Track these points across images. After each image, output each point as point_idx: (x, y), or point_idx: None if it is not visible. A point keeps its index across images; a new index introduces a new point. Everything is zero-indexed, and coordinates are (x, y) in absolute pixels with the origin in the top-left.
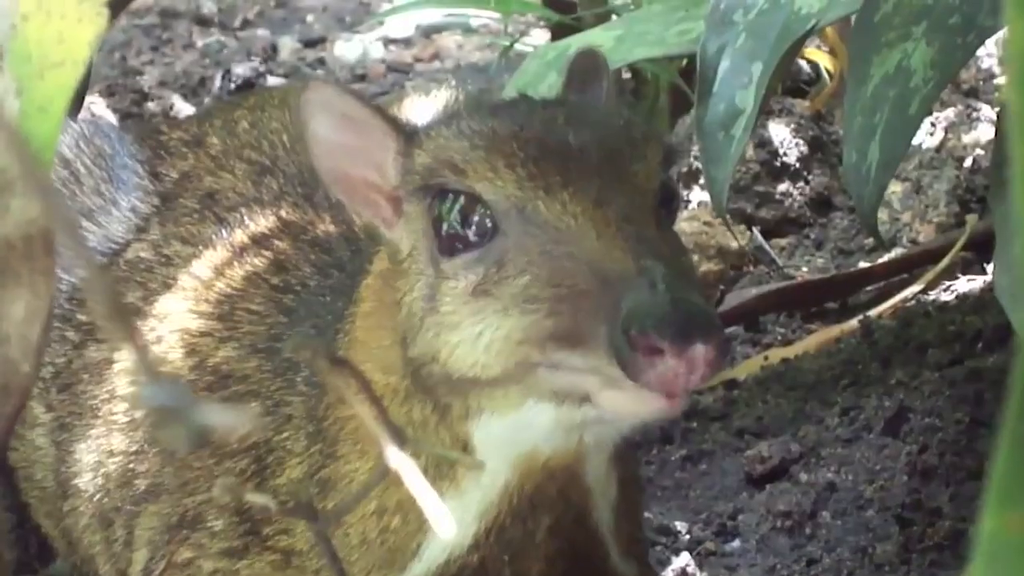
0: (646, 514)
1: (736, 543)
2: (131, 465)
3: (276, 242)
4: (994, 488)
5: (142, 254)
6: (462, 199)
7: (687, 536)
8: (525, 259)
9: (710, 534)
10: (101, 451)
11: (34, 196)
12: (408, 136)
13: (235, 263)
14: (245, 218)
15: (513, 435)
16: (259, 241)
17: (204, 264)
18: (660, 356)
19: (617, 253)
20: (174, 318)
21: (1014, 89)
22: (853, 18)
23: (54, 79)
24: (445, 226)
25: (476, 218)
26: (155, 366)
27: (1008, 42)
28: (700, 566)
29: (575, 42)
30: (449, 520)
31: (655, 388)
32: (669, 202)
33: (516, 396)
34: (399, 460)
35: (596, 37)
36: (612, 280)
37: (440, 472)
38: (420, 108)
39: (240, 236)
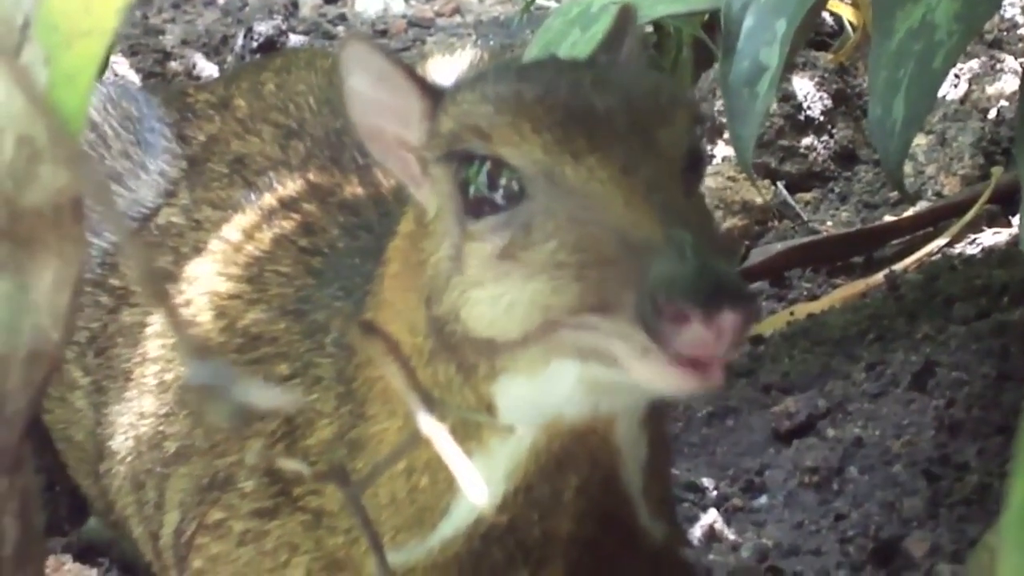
0: (673, 471)
1: (763, 499)
2: (161, 427)
3: (304, 205)
4: None
5: (173, 219)
6: (488, 163)
7: (714, 492)
8: (552, 224)
9: (737, 490)
10: (133, 413)
11: (63, 164)
12: (435, 97)
13: (264, 226)
14: (273, 181)
15: (537, 397)
16: (287, 204)
17: (233, 228)
18: (688, 323)
19: (644, 221)
20: (204, 281)
21: None
22: None
23: (82, 48)
24: (472, 189)
25: (503, 181)
26: (193, 340)
27: None
28: (728, 522)
29: None
30: (482, 487)
31: (683, 353)
32: (696, 166)
33: (539, 357)
34: (430, 426)
35: None
36: (639, 247)
37: (467, 432)
38: (444, 68)
39: (268, 199)
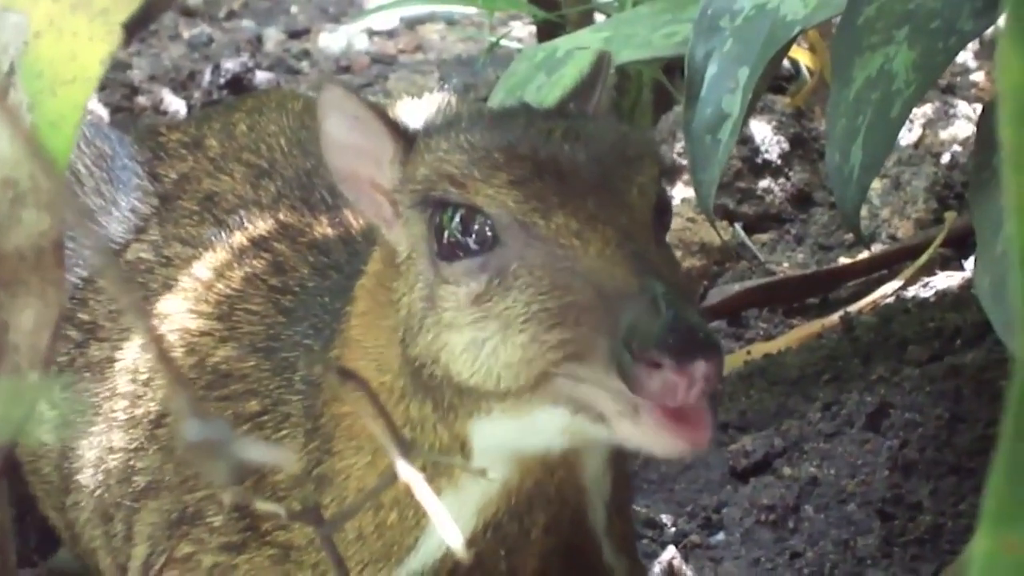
0: (633, 508)
1: (721, 536)
2: (131, 462)
3: (275, 244)
4: (990, 509)
5: (142, 255)
6: (463, 210)
7: (673, 529)
8: (527, 272)
9: (695, 527)
10: (102, 448)
11: (45, 208)
12: (407, 140)
13: (234, 264)
14: (244, 220)
15: (517, 438)
16: (258, 243)
17: (204, 265)
18: (660, 370)
19: (617, 271)
20: (174, 318)
21: (1010, 124)
22: (836, 20)
23: (66, 96)
24: (446, 234)
25: (476, 227)
26: (192, 399)
27: (1002, 77)
28: (686, 559)
29: (563, 44)
30: (455, 530)
31: (655, 400)
32: (663, 215)
33: (527, 403)
34: (406, 470)
35: (583, 39)
36: (613, 296)
37: (437, 469)
38: (413, 110)
39: (239, 238)
